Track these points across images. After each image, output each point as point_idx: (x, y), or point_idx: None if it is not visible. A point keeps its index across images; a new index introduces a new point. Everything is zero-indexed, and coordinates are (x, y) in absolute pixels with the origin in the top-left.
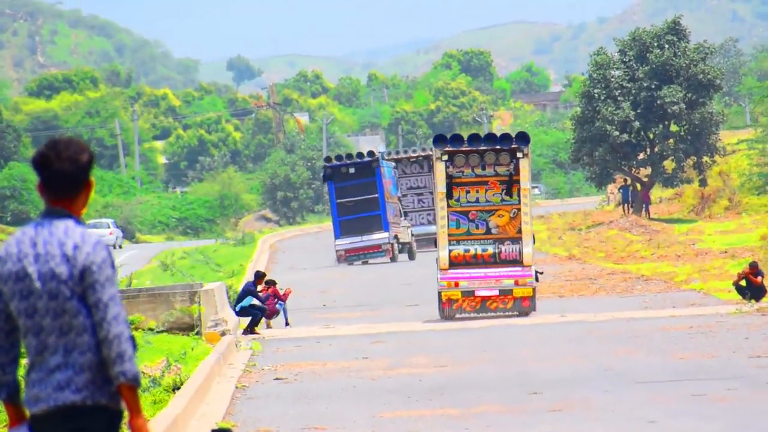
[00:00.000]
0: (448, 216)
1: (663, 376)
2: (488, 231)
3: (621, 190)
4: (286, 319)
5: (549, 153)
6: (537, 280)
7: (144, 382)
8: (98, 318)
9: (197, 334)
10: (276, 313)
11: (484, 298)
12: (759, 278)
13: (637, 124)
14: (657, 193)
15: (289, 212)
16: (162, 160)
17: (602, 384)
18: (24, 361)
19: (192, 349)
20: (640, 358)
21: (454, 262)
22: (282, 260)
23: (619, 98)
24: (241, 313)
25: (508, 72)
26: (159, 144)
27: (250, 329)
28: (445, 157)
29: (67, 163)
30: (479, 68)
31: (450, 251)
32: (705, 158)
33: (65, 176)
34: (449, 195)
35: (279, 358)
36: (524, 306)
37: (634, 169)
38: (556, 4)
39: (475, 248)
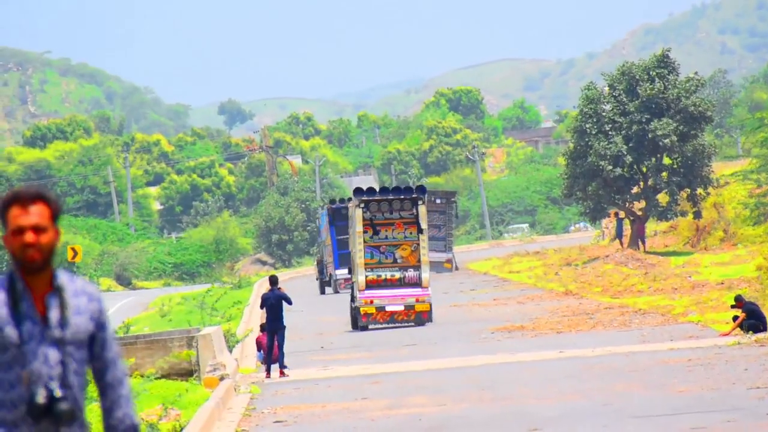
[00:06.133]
0: (364, 249)
1: (662, 410)
2: (395, 261)
3: (616, 224)
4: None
5: (543, 189)
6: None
7: (142, 428)
8: None
9: (196, 379)
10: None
11: (393, 313)
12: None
13: (629, 158)
14: (652, 226)
15: (285, 255)
16: (156, 206)
17: (601, 420)
18: None
19: (186, 391)
20: (639, 393)
21: (369, 285)
22: None
23: (610, 132)
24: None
25: (498, 109)
26: (152, 190)
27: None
28: (363, 205)
29: None
30: (469, 106)
31: (366, 276)
32: (699, 190)
33: None
34: (366, 232)
35: (278, 401)
36: (423, 318)
37: (628, 203)
38: (544, 40)
39: (385, 274)
